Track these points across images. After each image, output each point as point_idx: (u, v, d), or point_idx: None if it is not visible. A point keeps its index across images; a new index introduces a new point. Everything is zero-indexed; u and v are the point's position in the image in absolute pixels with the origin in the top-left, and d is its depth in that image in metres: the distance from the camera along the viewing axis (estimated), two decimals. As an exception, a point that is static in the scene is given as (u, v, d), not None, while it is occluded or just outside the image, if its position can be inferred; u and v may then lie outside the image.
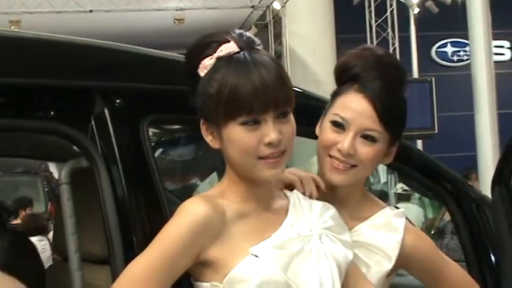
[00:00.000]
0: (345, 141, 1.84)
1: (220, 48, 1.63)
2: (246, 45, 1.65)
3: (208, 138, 1.69)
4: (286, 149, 1.65)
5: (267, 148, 1.62)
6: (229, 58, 1.62)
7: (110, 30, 16.30)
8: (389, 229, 1.92)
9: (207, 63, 1.64)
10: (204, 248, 1.61)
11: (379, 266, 1.88)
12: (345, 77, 1.91)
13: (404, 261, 1.92)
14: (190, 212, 1.61)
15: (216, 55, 1.63)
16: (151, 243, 1.61)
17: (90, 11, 15.39)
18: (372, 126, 1.84)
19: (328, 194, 1.92)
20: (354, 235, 1.90)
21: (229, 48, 1.63)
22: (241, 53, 1.63)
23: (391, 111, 1.86)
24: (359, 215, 1.95)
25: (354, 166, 1.86)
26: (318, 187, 1.89)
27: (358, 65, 1.89)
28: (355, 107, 1.85)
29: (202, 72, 1.65)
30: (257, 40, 1.69)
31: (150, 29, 17.39)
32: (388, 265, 1.88)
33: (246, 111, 1.59)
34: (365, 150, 1.85)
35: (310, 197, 1.82)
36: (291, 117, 1.66)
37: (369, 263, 1.88)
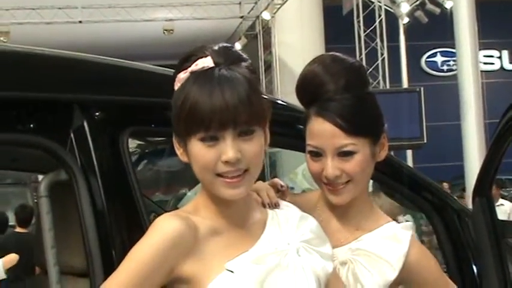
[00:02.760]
0: (326, 167, 1.85)
1: (196, 62, 1.62)
2: (223, 60, 1.62)
3: (179, 152, 1.68)
4: (249, 168, 1.62)
5: (225, 166, 1.60)
6: (199, 73, 1.60)
7: (100, 41, 16.31)
8: (395, 241, 1.91)
9: (181, 77, 1.63)
10: (177, 264, 1.60)
11: (382, 275, 1.87)
12: (304, 102, 1.90)
13: (406, 275, 1.90)
14: (162, 229, 1.60)
15: (190, 69, 1.62)
16: (124, 260, 1.60)
17: (80, 21, 15.39)
18: (343, 142, 1.83)
19: (331, 206, 1.93)
20: (358, 244, 1.90)
21: (204, 63, 1.61)
22: (215, 69, 1.60)
23: (356, 117, 1.84)
24: (365, 225, 1.94)
25: (348, 182, 1.87)
26: (283, 191, 1.90)
27: (307, 88, 1.88)
28: (320, 132, 1.85)
29: (176, 86, 1.64)
30: (241, 55, 1.66)
31: (139, 39, 17.40)
32: (392, 275, 1.87)
33: (203, 128, 1.58)
34: (348, 166, 1.85)
35: (274, 205, 1.79)
36: (257, 136, 1.62)
37: (372, 271, 1.87)
